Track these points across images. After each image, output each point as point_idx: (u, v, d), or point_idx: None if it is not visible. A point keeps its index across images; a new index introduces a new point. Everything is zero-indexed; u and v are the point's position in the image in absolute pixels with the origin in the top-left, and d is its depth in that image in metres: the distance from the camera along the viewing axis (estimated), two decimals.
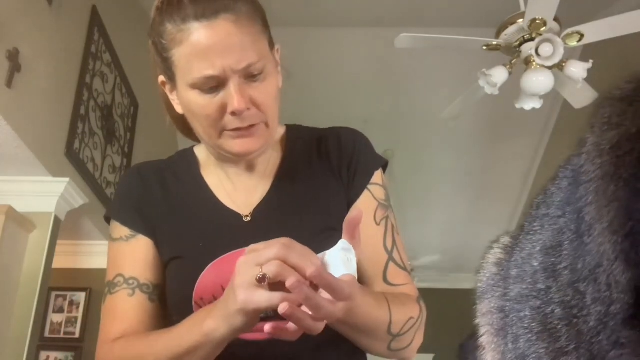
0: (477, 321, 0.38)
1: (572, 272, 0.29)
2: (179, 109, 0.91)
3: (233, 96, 0.82)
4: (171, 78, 0.88)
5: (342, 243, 0.71)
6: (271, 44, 0.91)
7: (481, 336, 0.37)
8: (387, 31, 3.08)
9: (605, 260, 0.27)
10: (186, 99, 0.86)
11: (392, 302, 0.85)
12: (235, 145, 0.87)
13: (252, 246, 0.71)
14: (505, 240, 0.40)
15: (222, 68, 0.81)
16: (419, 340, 0.90)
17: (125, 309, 0.90)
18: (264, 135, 0.88)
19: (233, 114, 0.83)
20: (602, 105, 0.30)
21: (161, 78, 0.91)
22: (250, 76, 0.83)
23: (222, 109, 0.84)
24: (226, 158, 0.94)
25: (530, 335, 0.31)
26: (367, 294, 0.84)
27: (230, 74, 0.82)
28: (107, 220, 0.98)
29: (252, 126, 0.86)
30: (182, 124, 0.95)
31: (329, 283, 0.66)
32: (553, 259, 0.30)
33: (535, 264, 0.32)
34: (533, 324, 0.31)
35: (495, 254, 0.39)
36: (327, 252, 0.72)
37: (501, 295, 0.36)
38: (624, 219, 0.26)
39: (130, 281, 0.91)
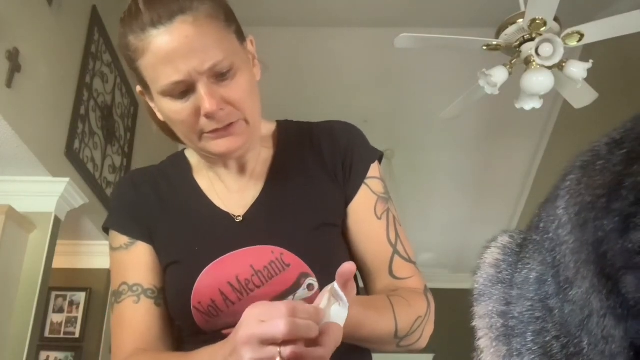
0: (474, 324, 0.38)
1: (560, 313, 0.30)
2: (160, 116, 0.90)
3: (203, 98, 0.80)
4: (145, 87, 0.87)
5: (335, 290, 0.71)
6: (241, 38, 0.88)
7: (479, 339, 0.37)
8: (387, 31, 3.08)
9: (595, 316, 0.28)
10: (161, 107, 0.86)
11: (397, 306, 0.85)
12: (216, 146, 0.86)
13: (255, 308, 0.70)
14: (504, 239, 0.40)
15: (186, 72, 0.79)
16: (429, 331, 0.90)
17: (133, 317, 0.90)
18: (245, 132, 0.87)
19: (207, 116, 0.82)
20: (567, 172, 0.32)
21: (138, 88, 0.90)
22: (218, 75, 0.81)
23: (197, 113, 0.82)
24: (214, 160, 0.94)
25: (533, 356, 0.32)
26: (370, 307, 0.84)
27: (196, 77, 0.80)
28: (106, 230, 0.98)
29: (230, 125, 0.84)
30: (168, 130, 0.93)
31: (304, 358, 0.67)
32: (544, 293, 0.32)
33: (532, 290, 0.33)
34: (535, 348, 0.32)
35: (493, 254, 0.40)
36: (319, 299, 0.72)
37: (499, 298, 0.36)
38: (603, 279, 0.27)
39: (135, 288, 0.91)
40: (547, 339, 0.30)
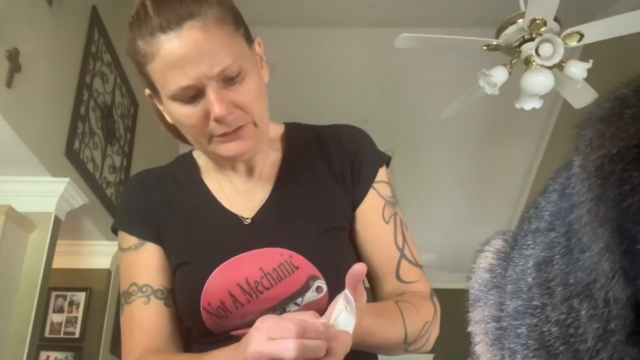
0: (470, 329, 0.37)
1: (564, 288, 0.29)
2: (169, 119, 0.90)
3: (213, 103, 0.81)
4: (154, 91, 0.87)
5: (346, 297, 0.72)
6: (249, 41, 0.88)
7: (475, 345, 0.36)
8: (387, 31, 3.08)
9: (603, 278, 0.26)
10: (170, 111, 0.86)
11: (406, 313, 0.86)
12: (226, 149, 0.86)
13: (265, 322, 0.70)
14: (497, 243, 0.40)
15: (196, 77, 0.80)
16: (435, 335, 0.91)
17: (143, 318, 0.90)
18: (254, 135, 0.87)
19: (216, 120, 0.82)
20: (583, 126, 0.30)
21: (147, 91, 0.90)
22: (227, 80, 0.82)
23: (206, 117, 0.83)
24: (223, 163, 0.94)
25: (527, 352, 0.31)
26: (381, 315, 0.84)
27: (206, 81, 0.80)
28: (115, 231, 0.98)
29: (239, 128, 0.85)
30: (177, 132, 0.94)
31: None
32: (545, 275, 0.30)
33: (530, 280, 0.32)
34: (530, 341, 0.31)
35: (487, 258, 0.39)
36: (331, 308, 0.73)
37: (495, 303, 0.35)
38: (619, 238, 0.26)
39: (144, 288, 0.91)
40: (545, 328, 0.30)
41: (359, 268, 0.71)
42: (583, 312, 0.27)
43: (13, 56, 2.11)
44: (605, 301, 0.27)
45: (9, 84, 2.09)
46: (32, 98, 2.29)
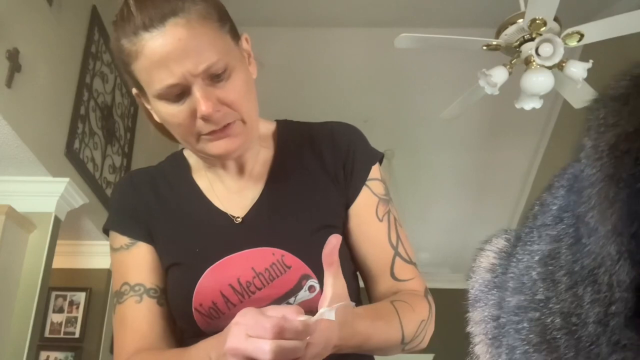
0: (470, 329, 0.37)
1: (569, 277, 0.28)
2: (157, 118, 0.89)
3: (199, 101, 0.80)
4: (141, 90, 0.87)
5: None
6: (235, 37, 0.87)
7: (475, 345, 0.36)
8: (387, 31, 3.08)
9: (608, 261, 0.26)
10: (157, 110, 0.85)
11: (402, 313, 0.85)
12: (214, 147, 0.85)
13: (244, 317, 0.70)
14: (499, 242, 0.39)
15: (181, 74, 0.79)
16: (430, 332, 0.91)
17: (135, 317, 0.89)
18: (243, 132, 0.86)
19: (203, 118, 0.81)
20: (595, 106, 0.29)
21: (134, 90, 0.90)
22: (213, 77, 0.81)
23: (193, 115, 0.82)
24: (212, 161, 0.94)
25: (527, 347, 0.30)
26: (378, 317, 0.84)
27: (191, 79, 0.79)
28: (106, 232, 0.98)
29: (227, 126, 0.84)
30: (165, 132, 0.93)
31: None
32: (551, 268, 0.29)
33: (534, 274, 0.31)
34: (531, 336, 0.30)
35: (488, 257, 0.39)
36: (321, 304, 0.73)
37: (495, 303, 0.35)
38: (628, 220, 0.25)
39: (137, 288, 0.91)
40: (548, 320, 0.29)
41: (334, 240, 0.71)
42: (586, 298, 0.27)
43: (13, 56, 2.11)
44: (609, 285, 0.26)
45: (9, 84, 2.09)
46: (32, 98, 2.29)
